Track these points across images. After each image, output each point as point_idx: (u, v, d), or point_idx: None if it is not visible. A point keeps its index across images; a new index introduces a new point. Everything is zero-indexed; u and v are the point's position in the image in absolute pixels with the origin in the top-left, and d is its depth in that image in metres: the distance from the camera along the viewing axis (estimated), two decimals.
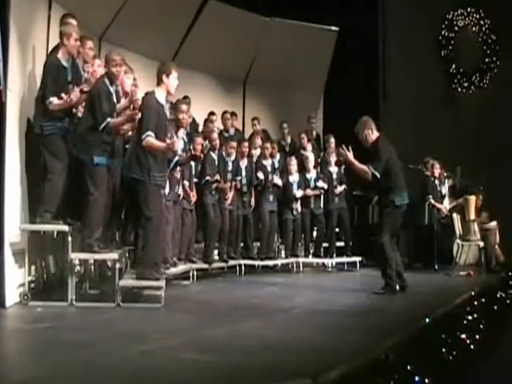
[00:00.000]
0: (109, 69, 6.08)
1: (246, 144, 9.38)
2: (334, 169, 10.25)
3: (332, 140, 10.53)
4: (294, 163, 9.92)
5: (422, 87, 12.58)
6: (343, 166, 10.04)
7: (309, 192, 9.91)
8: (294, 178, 9.89)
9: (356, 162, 7.13)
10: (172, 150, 6.27)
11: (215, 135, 8.88)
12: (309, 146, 10.41)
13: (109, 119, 5.95)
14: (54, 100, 5.72)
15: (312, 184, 10.01)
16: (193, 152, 7.73)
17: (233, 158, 9.04)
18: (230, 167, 8.99)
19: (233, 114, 10.28)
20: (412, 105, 12.36)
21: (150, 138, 5.86)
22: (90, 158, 5.88)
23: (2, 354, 4.08)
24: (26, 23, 6.00)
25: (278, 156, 10.05)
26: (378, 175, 6.96)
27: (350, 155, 7.14)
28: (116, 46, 8.18)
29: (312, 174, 10.07)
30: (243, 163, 9.20)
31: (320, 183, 9.98)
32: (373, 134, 7.18)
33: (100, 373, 3.42)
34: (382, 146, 7.10)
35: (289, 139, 10.85)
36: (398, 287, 6.98)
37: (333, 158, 10.25)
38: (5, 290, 5.28)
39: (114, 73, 6.11)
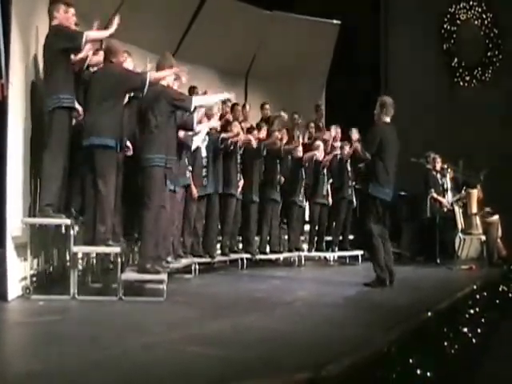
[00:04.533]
0: (118, 59, 6.08)
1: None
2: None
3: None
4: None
5: (424, 80, 12.58)
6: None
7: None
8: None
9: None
10: (178, 76, 6.27)
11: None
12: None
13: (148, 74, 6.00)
14: (89, 33, 5.79)
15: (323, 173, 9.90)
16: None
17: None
18: None
19: (243, 106, 9.97)
20: (414, 98, 12.34)
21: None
22: (101, 140, 5.77)
23: (3, 348, 4.08)
24: (27, 16, 5.97)
25: None
26: (369, 156, 6.94)
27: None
28: (118, 39, 8.15)
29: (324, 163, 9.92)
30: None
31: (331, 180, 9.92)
32: (381, 117, 7.00)
33: (102, 366, 3.42)
34: (376, 134, 6.96)
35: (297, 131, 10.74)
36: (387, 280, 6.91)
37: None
38: (7, 283, 5.28)
39: (123, 63, 6.24)
